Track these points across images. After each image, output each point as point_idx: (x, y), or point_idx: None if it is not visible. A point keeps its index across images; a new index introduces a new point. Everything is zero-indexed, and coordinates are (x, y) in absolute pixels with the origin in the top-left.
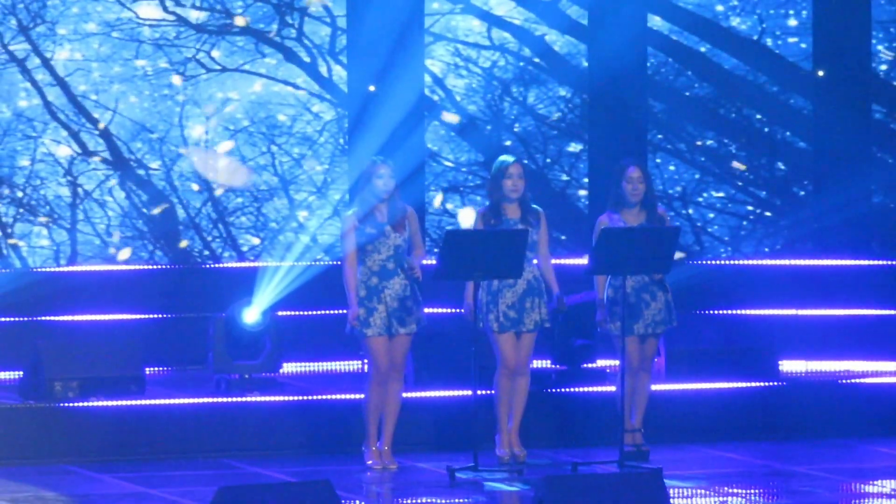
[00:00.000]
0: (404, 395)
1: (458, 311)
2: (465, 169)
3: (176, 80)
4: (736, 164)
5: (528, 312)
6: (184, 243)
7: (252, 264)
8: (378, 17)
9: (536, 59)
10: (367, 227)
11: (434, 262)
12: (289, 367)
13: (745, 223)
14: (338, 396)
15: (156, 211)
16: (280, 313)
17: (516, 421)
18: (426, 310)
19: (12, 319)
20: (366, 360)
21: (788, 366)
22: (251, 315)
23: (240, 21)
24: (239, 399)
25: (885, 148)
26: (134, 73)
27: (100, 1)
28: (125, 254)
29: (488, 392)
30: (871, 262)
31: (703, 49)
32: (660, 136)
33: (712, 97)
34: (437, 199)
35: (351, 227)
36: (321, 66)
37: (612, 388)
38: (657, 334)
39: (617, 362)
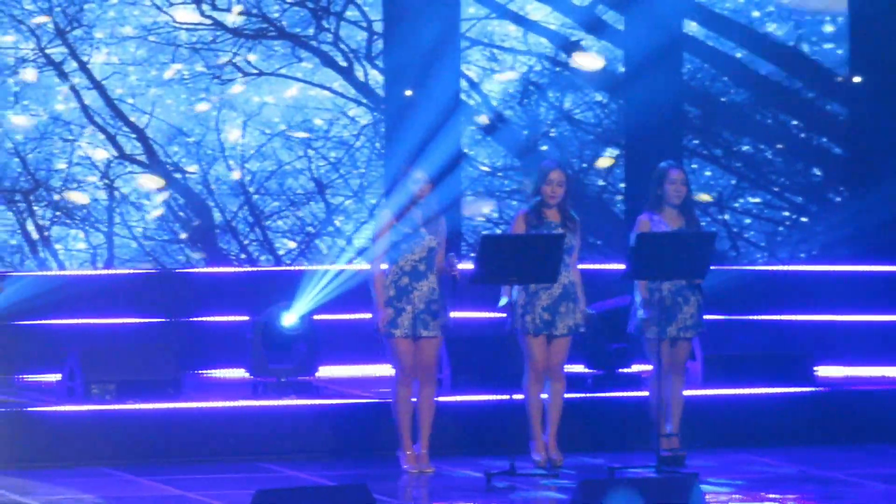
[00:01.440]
0: (441, 398)
1: (494, 315)
2: (501, 174)
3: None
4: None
5: (563, 317)
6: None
7: (289, 268)
8: (414, 22)
9: (572, 65)
10: (402, 227)
11: (469, 266)
12: (325, 371)
13: (781, 229)
14: (374, 400)
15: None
16: (316, 317)
17: (553, 426)
18: (463, 313)
19: (50, 322)
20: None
21: (825, 371)
22: (289, 319)
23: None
24: (275, 402)
25: None
26: (171, 76)
27: (136, 5)
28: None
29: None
30: None
31: (739, 55)
32: (696, 142)
33: (748, 103)
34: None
35: (386, 225)
36: (357, 71)
37: (647, 393)
38: (688, 338)
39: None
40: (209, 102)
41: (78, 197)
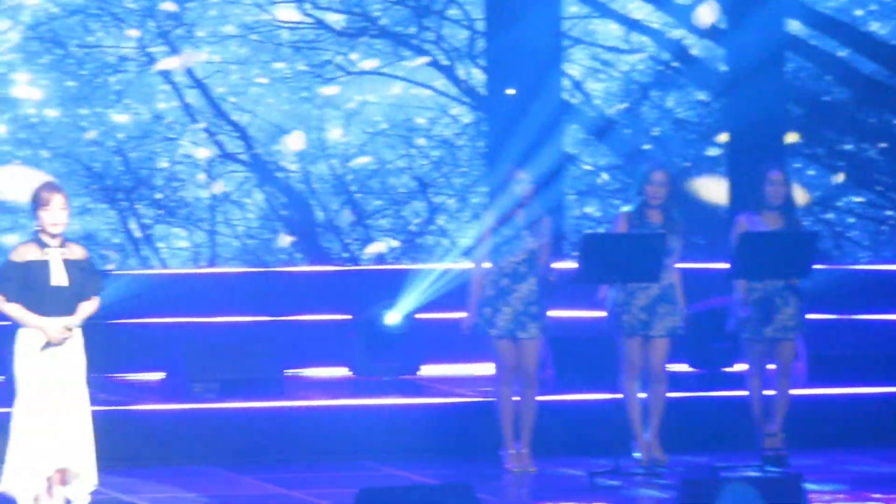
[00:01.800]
0: (545, 398)
1: (598, 314)
2: (605, 173)
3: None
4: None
5: (660, 318)
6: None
7: (392, 266)
8: (516, 21)
9: (674, 63)
10: (504, 229)
11: (569, 266)
12: (427, 370)
13: (884, 228)
14: (476, 399)
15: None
16: (419, 315)
17: (655, 426)
18: (567, 313)
19: (153, 321)
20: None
21: None
22: (392, 317)
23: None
24: (378, 401)
25: None
26: (272, 75)
27: (238, 3)
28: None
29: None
30: None
31: (842, 54)
32: (799, 141)
33: (851, 102)
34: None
35: (489, 228)
36: (459, 70)
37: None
38: (790, 339)
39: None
40: (310, 102)
41: (181, 195)
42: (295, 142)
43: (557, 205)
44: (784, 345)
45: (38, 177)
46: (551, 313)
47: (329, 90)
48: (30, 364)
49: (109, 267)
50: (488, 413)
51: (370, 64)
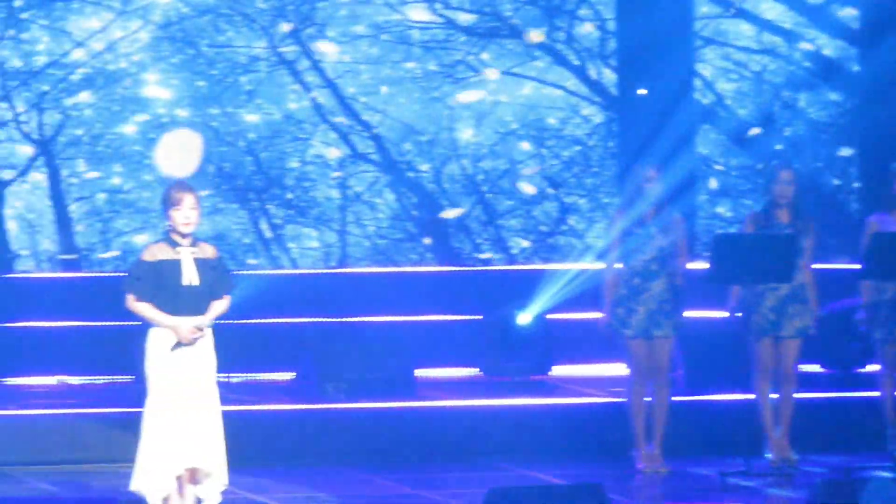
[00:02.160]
0: (676, 398)
1: (729, 314)
2: (736, 173)
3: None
4: None
5: (790, 318)
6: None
7: (522, 267)
8: (647, 21)
9: (807, 64)
10: (634, 228)
11: (702, 266)
12: (558, 370)
13: None
14: (607, 399)
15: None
16: (550, 316)
17: (785, 427)
18: (698, 313)
19: (284, 321)
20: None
21: None
22: (524, 317)
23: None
24: (508, 401)
25: None
26: (403, 75)
27: (369, 3)
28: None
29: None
30: None
31: None
32: None
33: None
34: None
35: (620, 227)
36: (590, 70)
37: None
38: None
39: None
40: (442, 101)
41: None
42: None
43: (690, 205)
44: None
45: (190, 142)
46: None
47: (460, 91)
48: (161, 364)
49: (252, 261)
50: (619, 413)
51: (501, 64)
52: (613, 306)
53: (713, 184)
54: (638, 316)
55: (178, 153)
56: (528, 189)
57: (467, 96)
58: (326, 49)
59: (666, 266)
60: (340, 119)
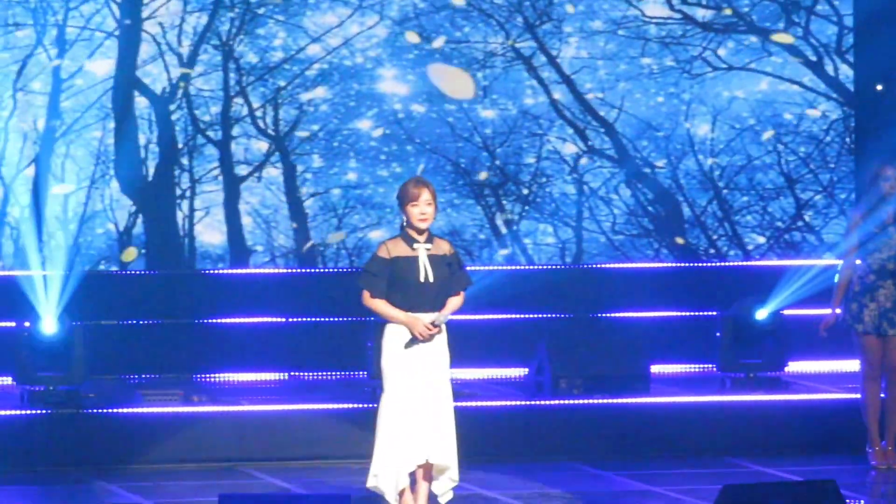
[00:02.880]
0: None
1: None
2: None
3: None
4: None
5: None
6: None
7: (758, 263)
8: (886, 17)
9: None
10: (872, 225)
11: None
12: (794, 366)
13: None
14: (842, 396)
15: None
16: (786, 311)
17: (892, 429)
18: None
19: (519, 316)
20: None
21: None
22: (761, 314)
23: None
24: (744, 398)
25: None
26: (640, 71)
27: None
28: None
29: None
30: None
31: None
32: None
33: None
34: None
35: (856, 225)
36: (827, 65)
37: None
38: None
39: None
40: (678, 98)
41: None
42: None
43: None
44: None
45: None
46: None
47: (697, 86)
48: (396, 360)
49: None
50: (854, 410)
51: (738, 60)
52: (847, 302)
53: None
54: (870, 312)
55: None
56: None
57: (703, 91)
58: (563, 45)
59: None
60: (576, 115)
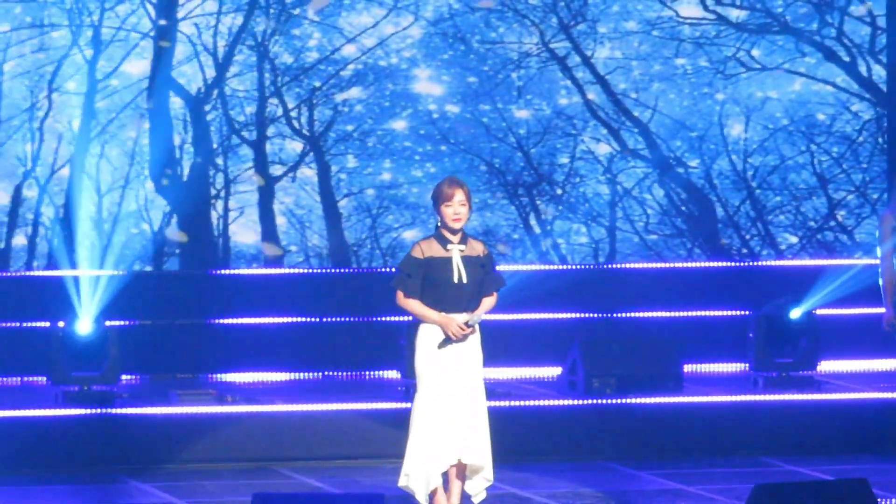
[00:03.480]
0: None
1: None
2: None
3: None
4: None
5: None
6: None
7: (790, 262)
8: None
9: None
10: None
11: None
12: (826, 366)
13: None
14: (876, 395)
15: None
16: (819, 311)
17: None
18: None
19: (552, 316)
20: None
21: None
22: (796, 313)
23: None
24: (776, 397)
25: None
26: (674, 71)
27: (640, 0)
28: None
29: None
30: None
31: None
32: None
33: None
34: None
35: (888, 227)
36: (861, 66)
37: None
38: None
39: None
40: (712, 98)
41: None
42: None
43: None
44: None
45: None
46: None
47: (731, 86)
48: (430, 360)
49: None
50: (888, 409)
51: (771, 60)
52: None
53: None
54: None
55: None
56: None
57: (737, 91)
58: (597, 45)
59: None
60: (610, 116)
